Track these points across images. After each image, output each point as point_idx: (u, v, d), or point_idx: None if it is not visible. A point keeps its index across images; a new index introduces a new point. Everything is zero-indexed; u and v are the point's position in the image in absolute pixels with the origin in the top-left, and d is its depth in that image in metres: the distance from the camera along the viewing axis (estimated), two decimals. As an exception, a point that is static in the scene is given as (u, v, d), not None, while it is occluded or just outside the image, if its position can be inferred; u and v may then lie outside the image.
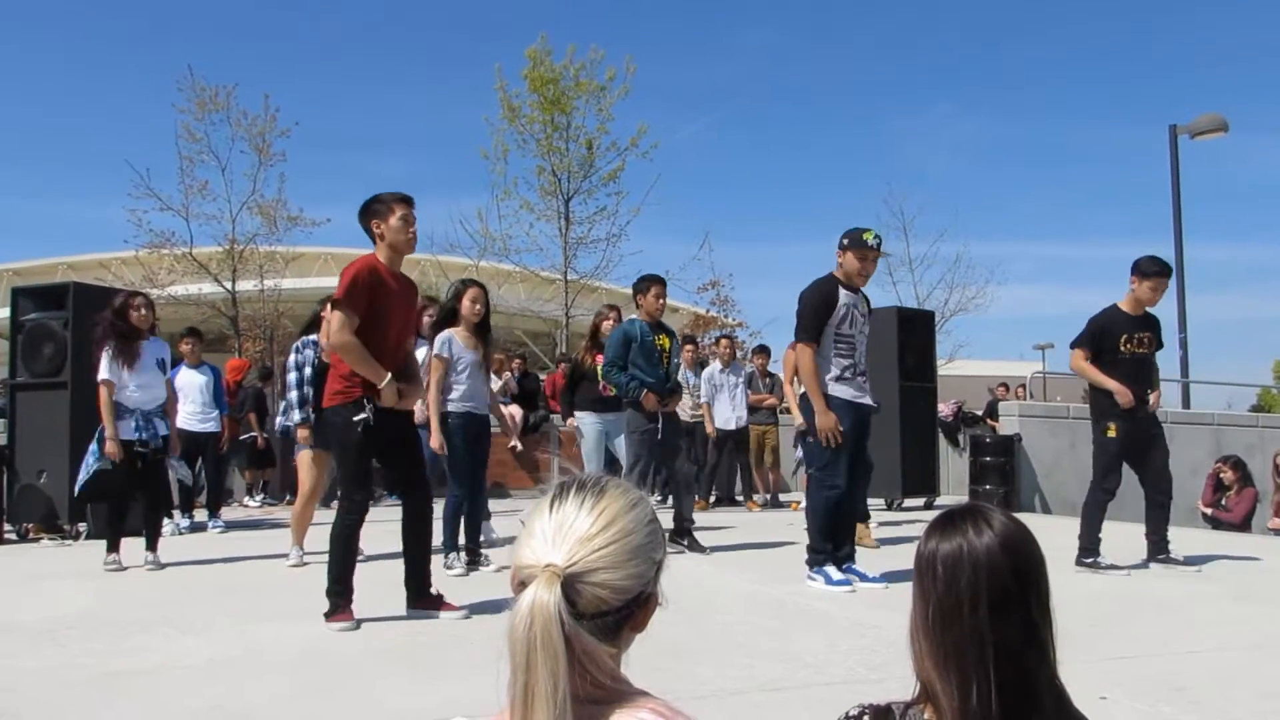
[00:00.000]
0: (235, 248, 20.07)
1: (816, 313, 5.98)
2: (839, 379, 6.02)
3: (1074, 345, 6.85)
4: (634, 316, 7.52)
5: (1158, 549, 6.77)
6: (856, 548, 6.34)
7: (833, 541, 6.02)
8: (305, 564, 6.79)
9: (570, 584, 1.12)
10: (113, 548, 6.87)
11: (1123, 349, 6.67)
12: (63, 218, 63.18)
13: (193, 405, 9.59)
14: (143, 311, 7.03)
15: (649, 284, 7.43)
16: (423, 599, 5.11)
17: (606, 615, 1.14)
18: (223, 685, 3.89)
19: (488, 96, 21.96)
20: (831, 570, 5.93)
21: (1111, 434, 6.66)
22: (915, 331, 11.44)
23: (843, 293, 6.03)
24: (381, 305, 5.00)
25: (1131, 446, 6.71)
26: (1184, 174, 16.18)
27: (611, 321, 7.91)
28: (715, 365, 11.57)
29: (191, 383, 9.66)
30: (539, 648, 1.07)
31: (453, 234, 21.03)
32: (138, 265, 21.35)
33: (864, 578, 6.00)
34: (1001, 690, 1.32)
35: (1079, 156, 71.82)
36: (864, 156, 64.10)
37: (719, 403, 11.37)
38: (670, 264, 23.86)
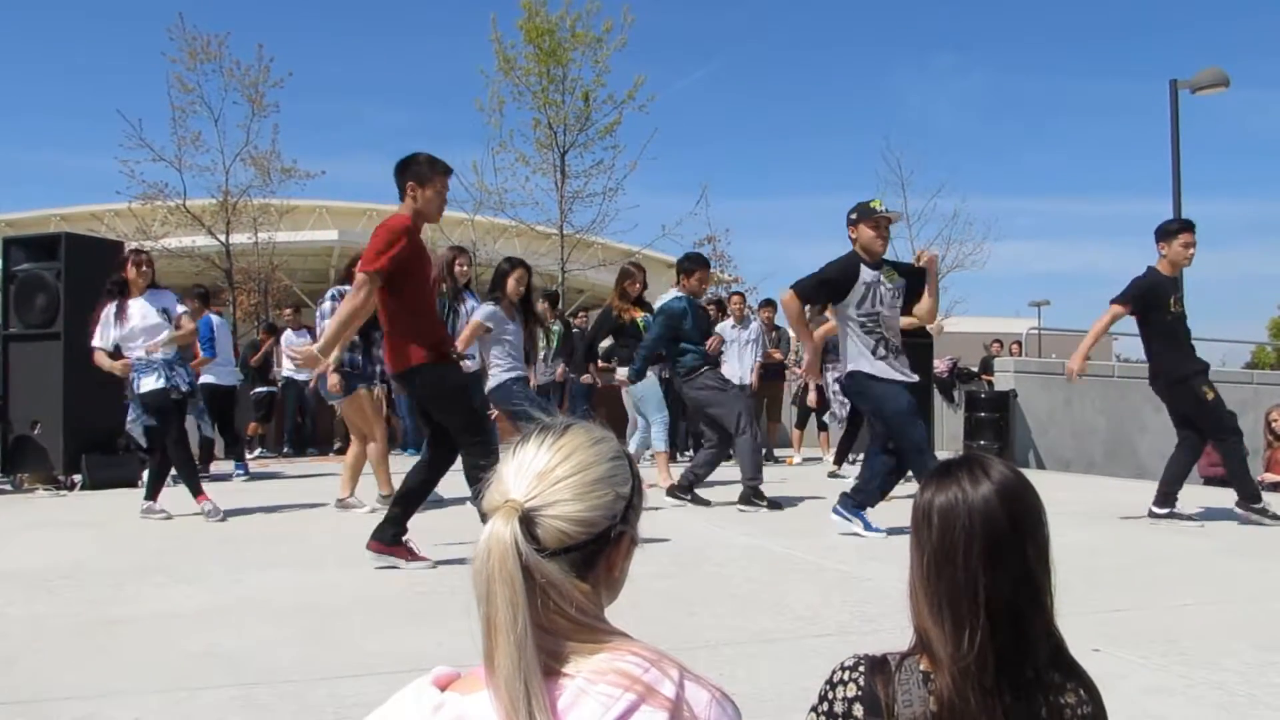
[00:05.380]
0: (229, 200, 19.91)
1: (824, 282, 6.04)
2: (874, 356, 6.03)
3: (1115, 301, 6.67)
4: (679, 294, 7.51)
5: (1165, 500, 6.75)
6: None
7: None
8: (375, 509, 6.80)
9: (530, 518, 1.13)
10: (152, 495, 6.89)
11: (1171, 309, 6.62)
12: (55, 169, 62.73)
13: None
14: (142, 268, 7.04)
15: (696, 266, 7.58)
16: (395, 545, 5.12)
17: (571, 550, 1.14)
18: (217, 631, 3.90)
19: (483, 47, 21.63)
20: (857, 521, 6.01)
21: (1209, 394, 6.56)
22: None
23: (865, 271, 6.01)
24: (421, 273, 5.07)
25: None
26: (1184, 129, 16.06)
27: (639, 285, 8.15)
28: (728, 322, 11.60)
29: None
30: (496, 579, 1.08)
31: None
32: (131, 217, 21.18)
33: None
34: (995, 637, 1.31)
35: (1080, 111, 71.46)
36: (864, 109, 63.90)
37: (729, 358, 11.43)
38: (667, 219, 23.80)
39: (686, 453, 11.31)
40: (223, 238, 20.19)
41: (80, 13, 60.85)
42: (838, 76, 66.67)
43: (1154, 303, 6.60)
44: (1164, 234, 6.71)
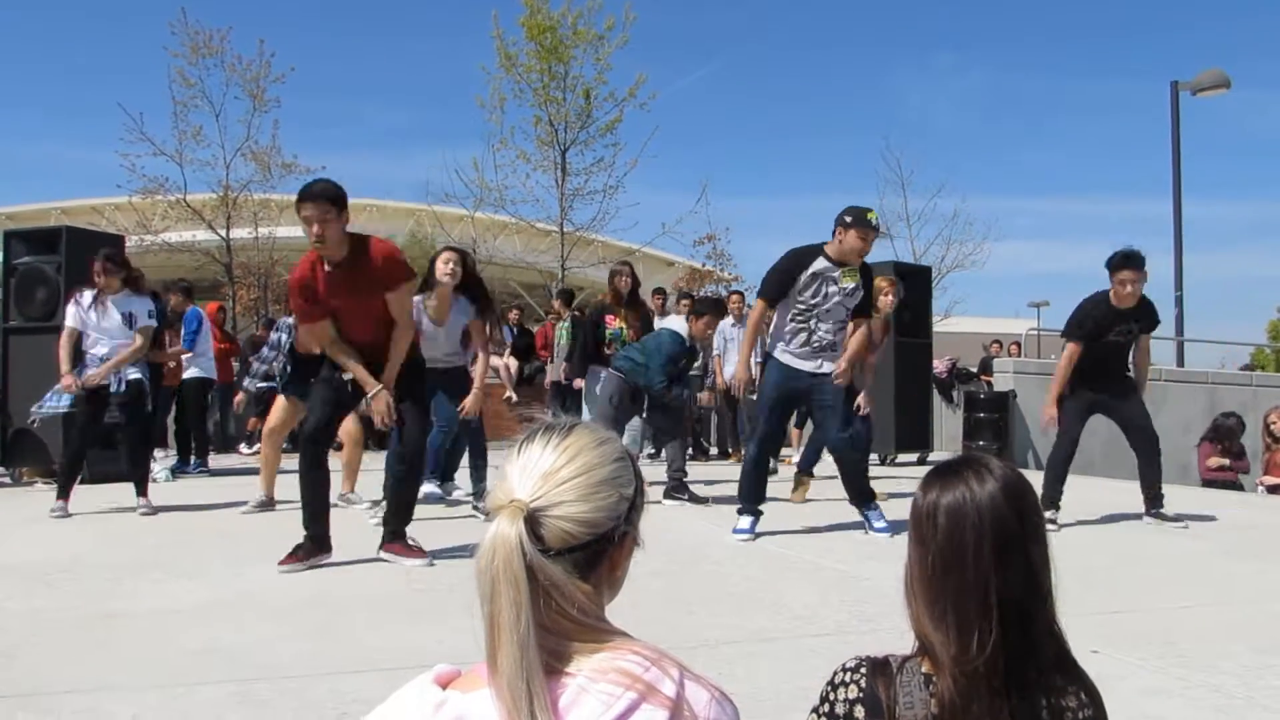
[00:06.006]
0: (229, 195, 19.91)
1: (776, 271, 5.98)
2: (789, 346, 6.02)
3: (1066, 337, 6.74)
4: (681, 330, 7.53)
5: (1153, 503, 6.75)
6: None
7: (756, 496, 6.15)
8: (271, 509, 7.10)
9: (535, 518, 1.13)
10: (62, 495, 6.79)
11: (1110, 338, 6.64)
12: (55, 162, 62.67)
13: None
14: (109, 274, 6.90)
15: (707, 311, 7.70)
16: (395, 543, 5.18)
17: (575, 550, 1.14)
18: (216, 627, 3.90)
19: (484, 45, 21.61)
20: (741, 520, 6.11)
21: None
22: (912, 287, 11.41)
23: (820, 261, 5.92)
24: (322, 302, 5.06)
25: (1097, 408, 6.80)
26: (1185, 130, 16.08)
27: (627, 279, 8.16)
28: (727, 320, 11.49)
29: None
30: (501, 578, 1.09)
31: (448, 184, 20.79)
32: (131, 211, 21.18)
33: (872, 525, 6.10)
34: (1003, 638, 1.31)
35: (1080, 110, 71.44)
36: (864, 109, 63.83)
37: (729, 357, 11.42)
38: (667, 216, 23.78)
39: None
40: (223, 232, 20.19)
41: (80, 13, 60.73)
42: (838, 76, 66.76)
43: (1093, 332, 6.58)
44: (1108, 267, 6.52)
